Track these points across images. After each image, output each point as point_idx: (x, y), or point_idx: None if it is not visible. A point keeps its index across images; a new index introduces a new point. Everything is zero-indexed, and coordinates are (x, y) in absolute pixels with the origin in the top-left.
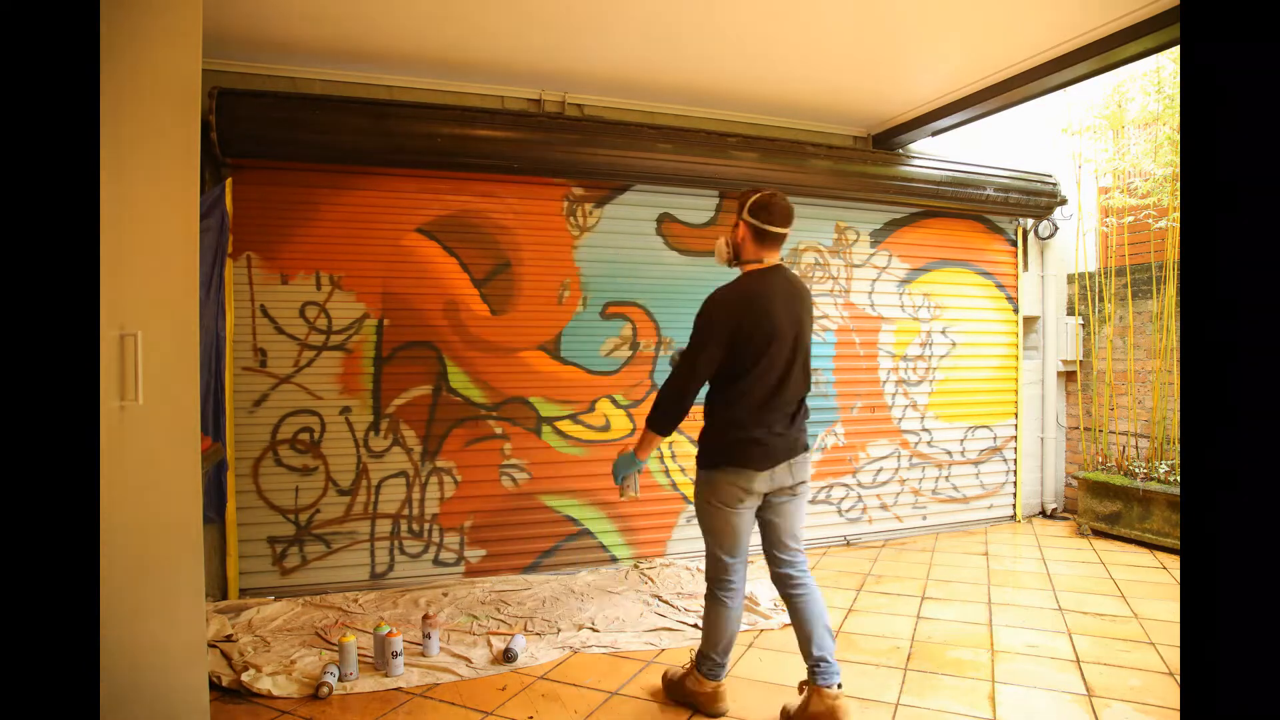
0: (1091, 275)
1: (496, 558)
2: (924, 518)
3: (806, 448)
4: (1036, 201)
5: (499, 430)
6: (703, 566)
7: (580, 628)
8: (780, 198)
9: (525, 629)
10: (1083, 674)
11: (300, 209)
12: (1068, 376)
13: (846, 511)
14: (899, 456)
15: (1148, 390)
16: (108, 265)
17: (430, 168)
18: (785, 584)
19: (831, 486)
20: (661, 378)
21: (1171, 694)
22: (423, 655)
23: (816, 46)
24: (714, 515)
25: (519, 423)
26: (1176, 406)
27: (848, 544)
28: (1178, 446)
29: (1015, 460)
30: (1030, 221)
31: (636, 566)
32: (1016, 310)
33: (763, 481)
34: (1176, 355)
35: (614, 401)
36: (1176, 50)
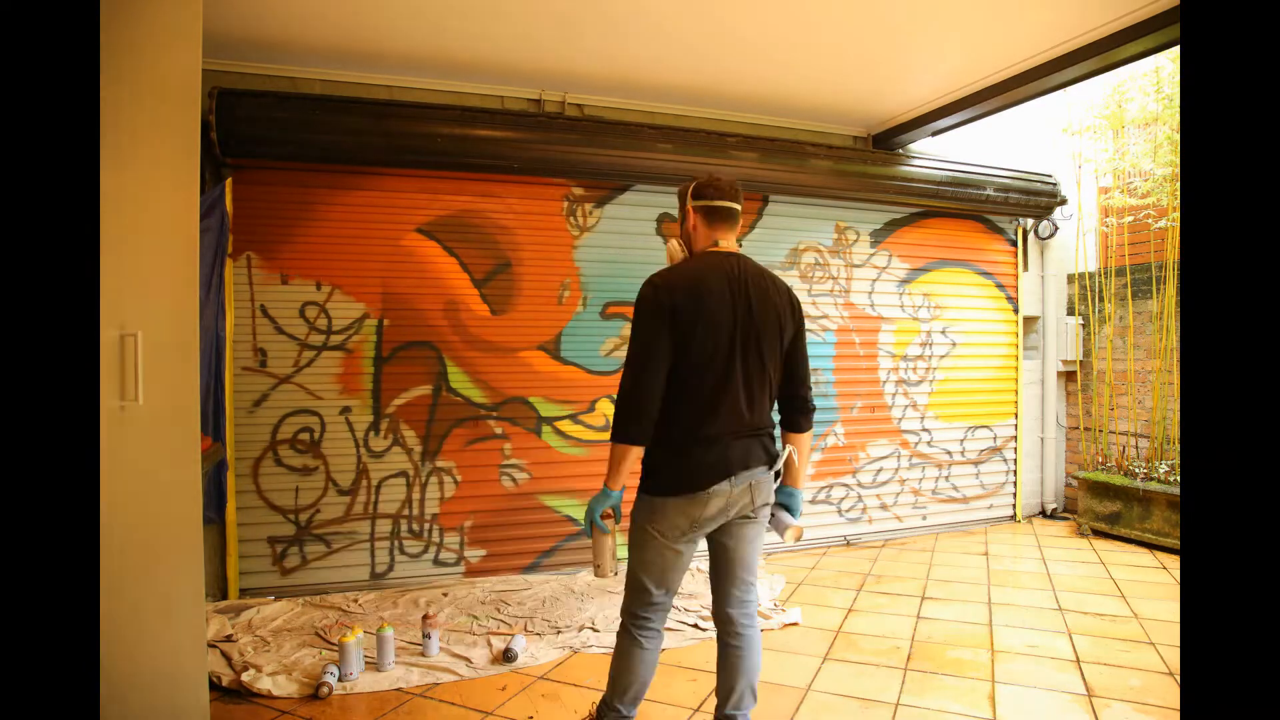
0: (1091, 275)
1: (496, 558)
2: (924, 518)
3: (772, 463)
4: (1036, 201)
5: (499, 430)
6: (703, 566)
7: (580, 628)
8: (721, 176)
9: (525, 629)
10: (1083, 674)
11: (300, 209)
12: (1068, 376)
13: (846, 511)
14: (899, 456)
15: (1148, 390)
16: (108, 265)
17: (430, 168)
18: (726, 627)
19: (831, 486)
20: None
21: (1171, 694)
22: (423, 655)
23: (816, 46)
24: (649, 544)
25: (519, 423)
26: (1176, 406)
27: (848, 544)
28: (1178, 446)
29: (1015, 460)
30: (1030, 221)
31: None
32: (1016, 310)
33: (715, 506)
34: (1176, 355)
35: (614, 401)
36: (1176, 50)
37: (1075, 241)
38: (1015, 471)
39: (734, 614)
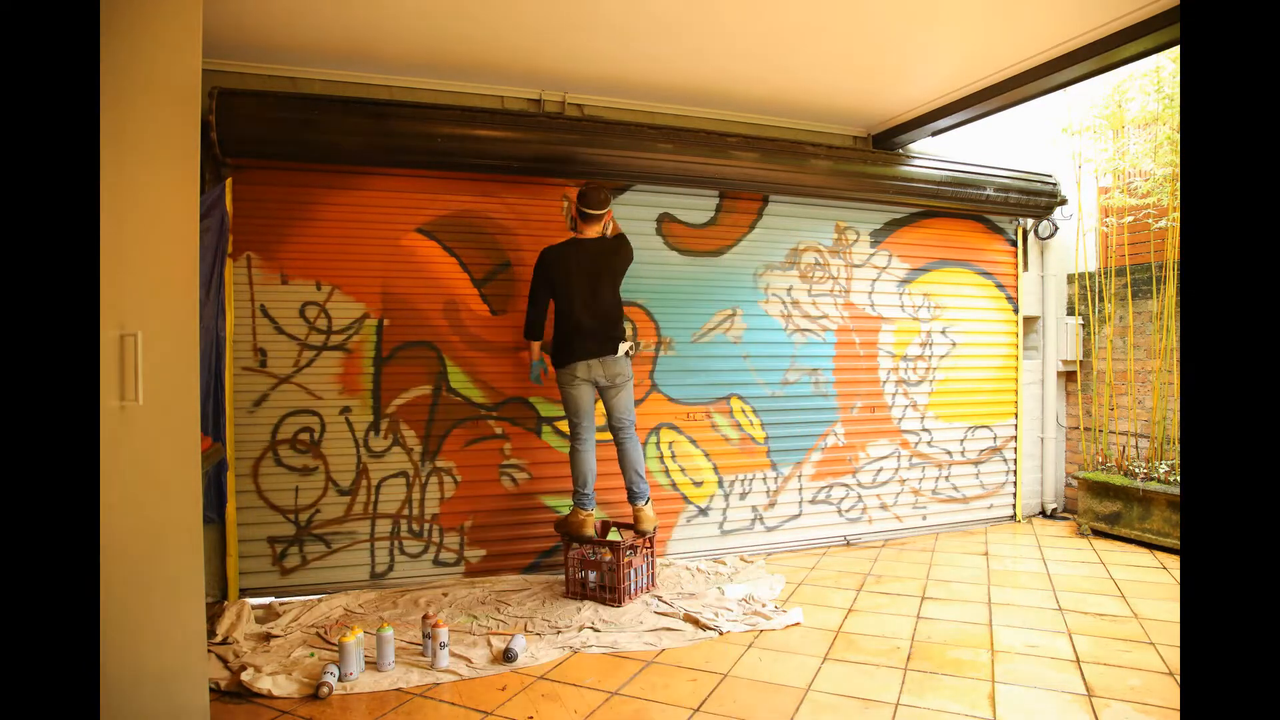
0: (1091, 275)
1: (496, 558)
2: (924, 518)
3: (614, 351)
4: (1036, 201)
5: (499, 430)
6: (703, 566)
7: (580, 628)
8: (593, 189)
9: (525, 629)
10: (1083, 674)
11: (300, 209)
12: (1068, 376)
13: (846, 511)
14: (899, 456)
15: (1148, 390)
16: (108, 265)
17: (430, 168)
18: (615, 436)
19: (831, 486)
20: (662, 377)
21: (1171, 694)
22: (422, 655)
23: (816, 46)
24: (563, 392)
25: (519, 423)
26: (1176, 406)
27: (848, 544)
28: (1178, 446)
29: (1015, 460)
30: (1030, 221)
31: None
32: (1016, 310)
33: (583, 370)
34: (1176, 355)
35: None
36: (1176, 50)
37: (1075, 241)
38: (1015, 471)
39: (615, 436)
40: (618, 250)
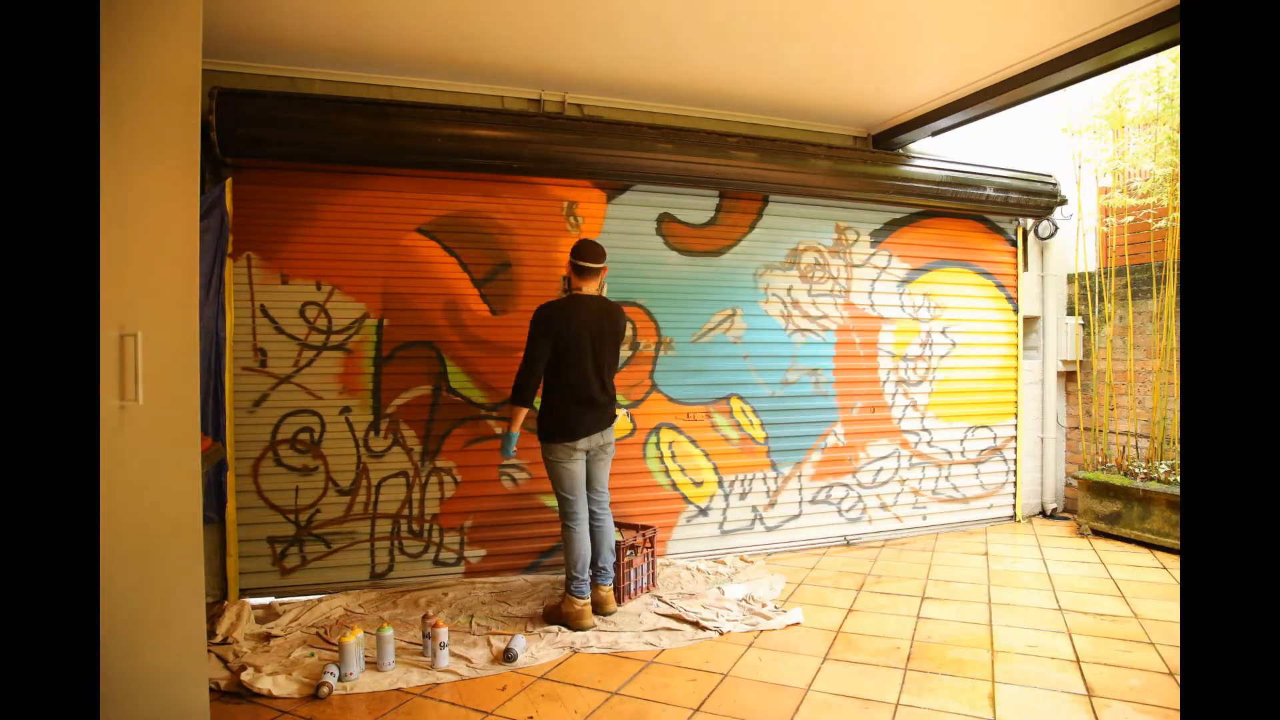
0: (1091, 275)
1: (496, 558)
2: (924, 518)
3: (612, 420)
4: (1036, 201)
5: (499, 430)
6: (703, 566)
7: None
8: (588, 244)
9: (525, 629)
10: (1083, 674)
11: (300, 209)
12: (1068, 376)
13: (846, 511)
14: (899, 456)
15: (1148, 390)
16: (108, 265)
17: (430, 168)
18: (591, 511)
19: (831, 486)
20: (662, 377)
21: (1171, 694)
22: (422, 655)
23: (816, 46)
24: (556, 470)
25: None
26: (1176, 406)
27: (848, 544)
28: (1178, 446)
29: (1015, 460)
30: (1030, 221)
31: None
32: (1016, 310)
33: (583, 444)
34: (1176, 355)
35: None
36: (1176, 50)
37: (1075, 241)
38: (1015, 471)
39: (593, 508)
40: (620, 310)
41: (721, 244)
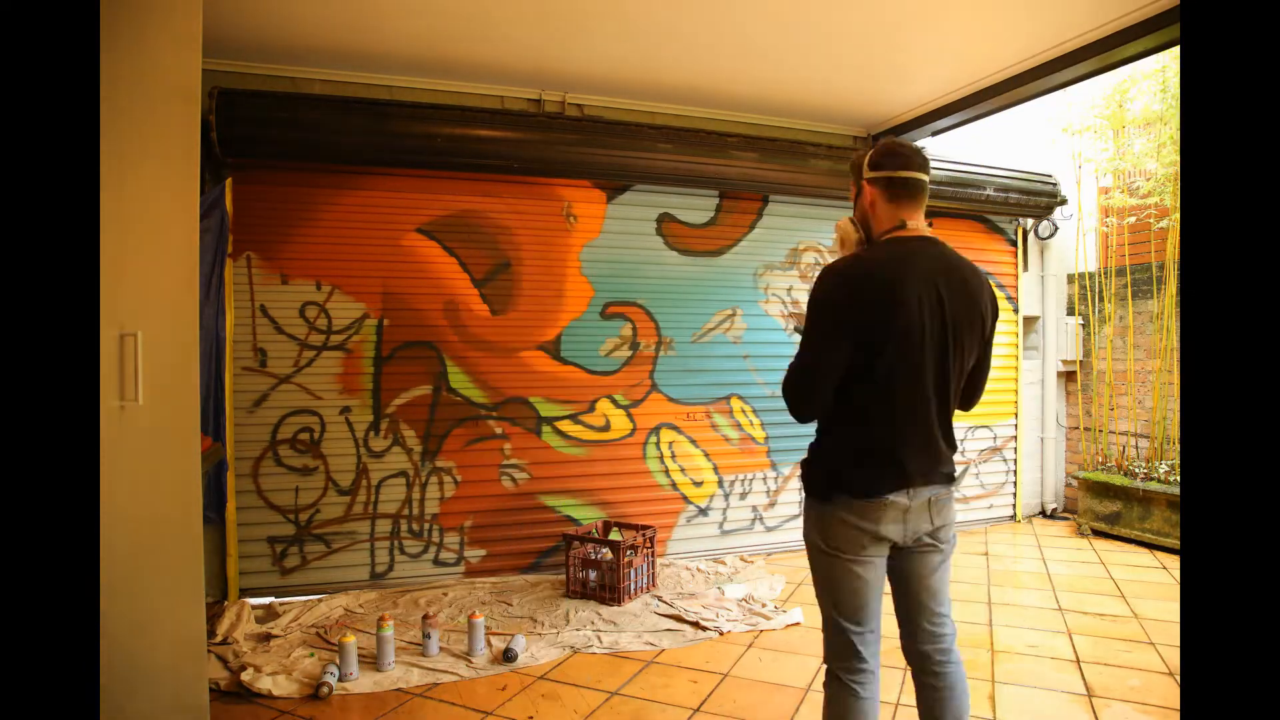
0: (1091, 275)
1: (496, 558)
2: None
3: (951, 479)
4: (1036, 201)
5: (499, 430)
6: (703, 566)
7: (581, 628)
8: (898, 144)
9: (525, 629)
10: (1083, 674)
11: (300, 209)
12: (1068, 376)
13: None
14: None
15: (1148, 390)
16: (108, 265)
17: (430, 168)
18: (921, 664)
19: None
20: (661, 377)
21: (1171, 694)
22: (422, 655)
23: (816, 46)
24: (828, 566)
25: (519, 423)
26: (1176, 406)
27: None
28: (1178, 446)
29: (1015, 460)
30: (1030, 221)
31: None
32: (1016, 310)
33: (891, 517)
34: (1176, 355)
35: (614, 401)
36: (1176, 50)
37: (1075, 241)
38: (1015, 471)
39: (927, 650)
40: (983, 276)
41: (721, 244)
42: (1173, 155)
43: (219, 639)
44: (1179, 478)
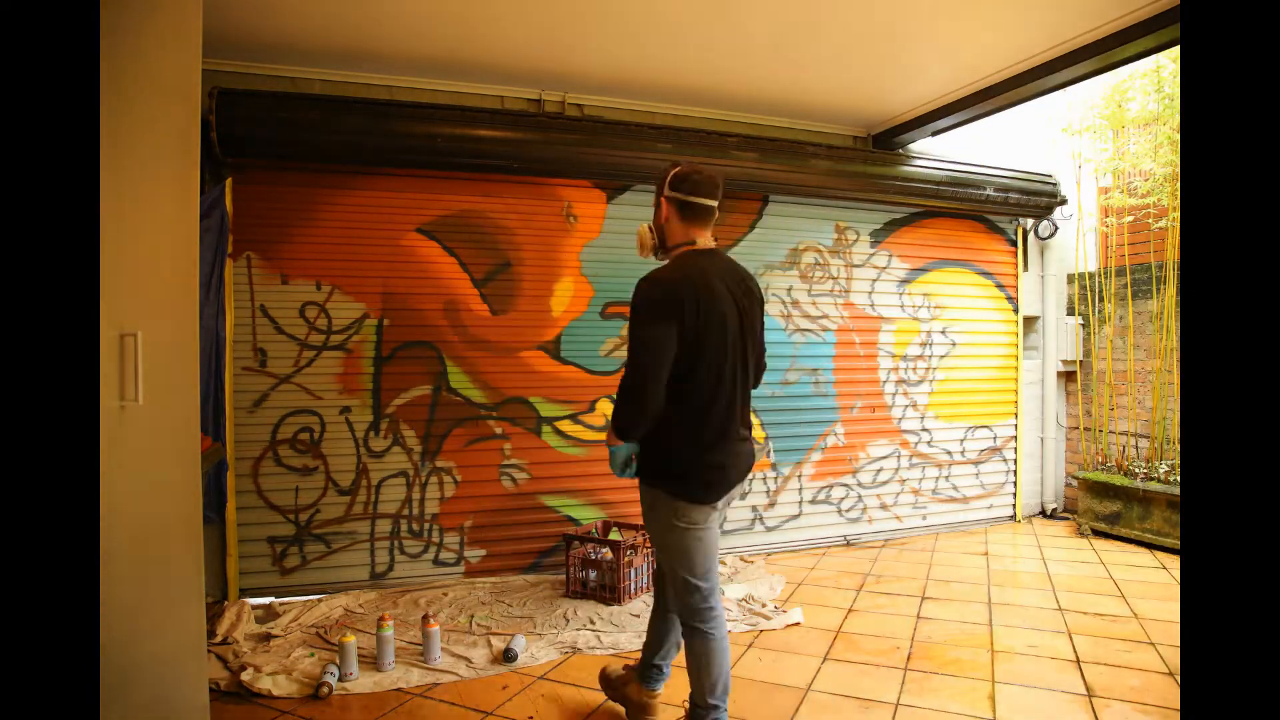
0: (1091, 275)
1: (496, 558)
2: (924, 518)
3: (754, 459)
4: (1036, 201)
5: (499, 430)
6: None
7: (581, 628)
8: (704, 168)
9: (526, 629)
10: (1083, 674)
11: (300, 209)
12: (1068, 376)
13: (846, 511)
14: (899, 456)
15: (1148, 390)
16: (108, 265)
17: (430, 168)
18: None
19: (831, 486)
20: None
21: (1171, 694)
22: (422, 655)
23: (817, 46)
24: (681, 536)
25: (519, 423)
26: (1176, 406)
27: (848, 544)
28: (1178, 446)
29: (1015, 460)
30: (1030, 221)
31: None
32: (1016, 310)
33: (722, 504)
34: (1176, 355)
35: (614, 401)
36: (1176, 50)
37: (1075, 241)
38: (1015, 471)
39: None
40: (754, 278)
41: (721, 244)
42: (1169, 155)
43: (219, 639)
44: (1179, 478)
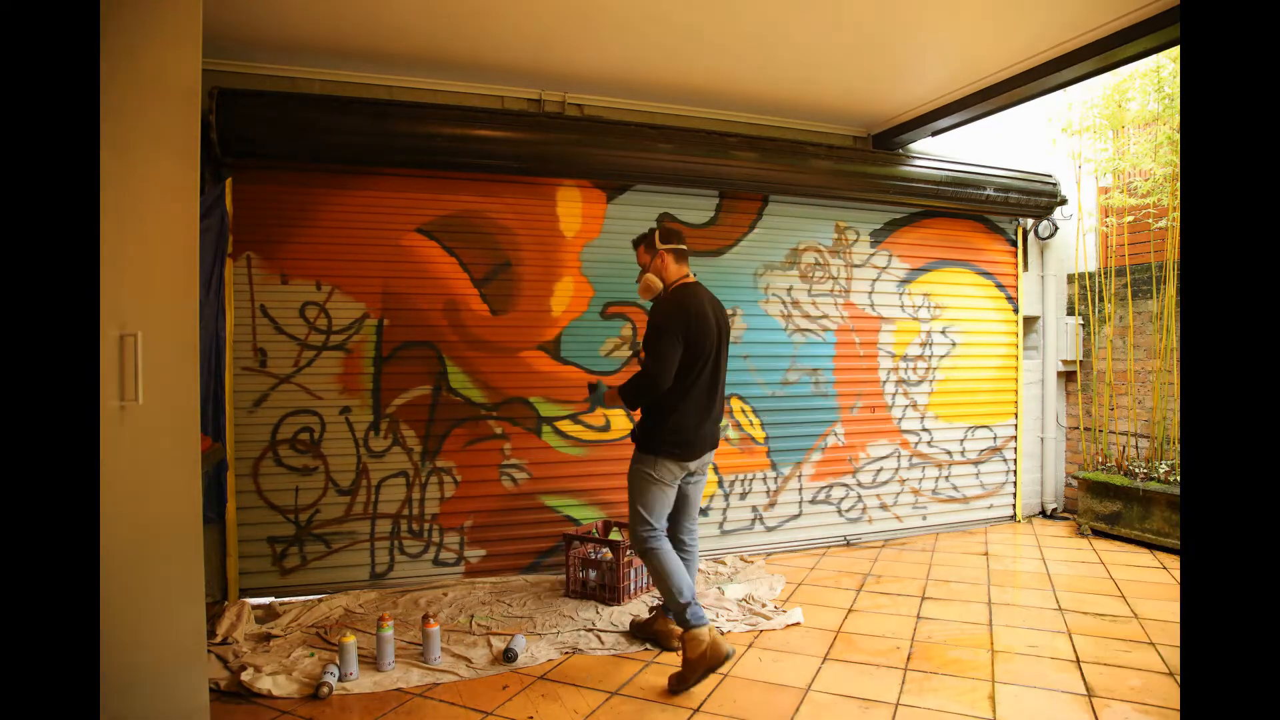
0: (1091, 275)
1: (496, 558)
2: (924, 518)
3: (719, 438)
4: (1036, 201)
5: (499, 430)
6: (703, 566)
7: (581, 628)
8: (670, 225)
9: (525, 629)
10: (1083, 674)
11: (300, 209)
12: (1068, 376)
13: (846, 511)
14: (899, 456)
15: (1148, 390)
16: (108, 265)
17: (430, 168)
18: (680, 545)
19: (831, 486)
20: None
21: (1171, 694)
22: (422, 655)
23: (817, 46)
24: (651, 487)
25: (519, 423)
26: (1176, 406)
27: (848, 544)
28: (1178, 446)
29: (1015, 460)
30: (1030, 221)
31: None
32: (1016, 310)
33: (694, 466)
34: (1176, 355)
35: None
36: (1176, 50)
37: (1075, 241)
38: (1015, 471)
39: (682, 537)
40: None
41: (721, 244)
42: (1170, 155)
43: (219, 639)
44: (1179, 478)
